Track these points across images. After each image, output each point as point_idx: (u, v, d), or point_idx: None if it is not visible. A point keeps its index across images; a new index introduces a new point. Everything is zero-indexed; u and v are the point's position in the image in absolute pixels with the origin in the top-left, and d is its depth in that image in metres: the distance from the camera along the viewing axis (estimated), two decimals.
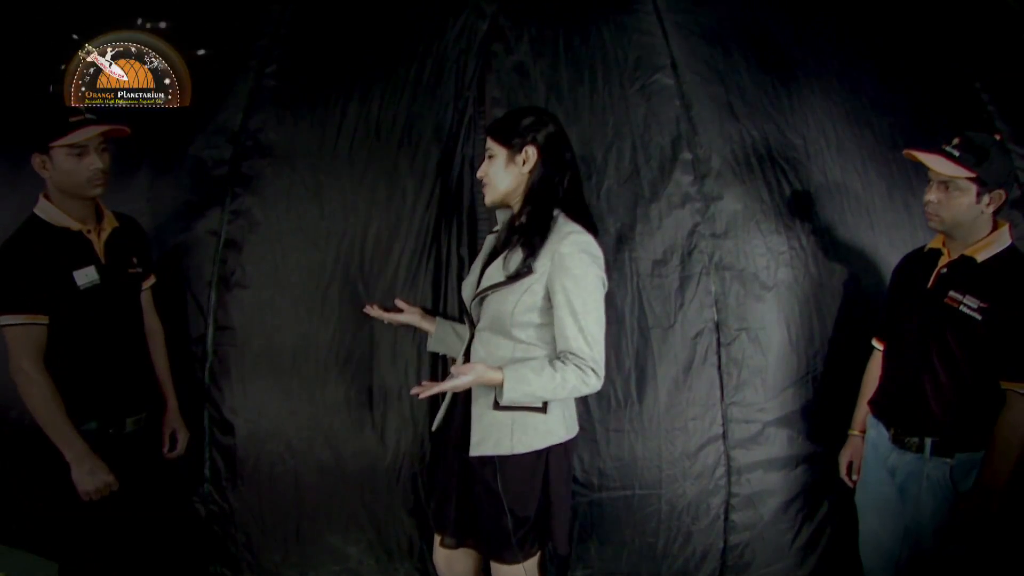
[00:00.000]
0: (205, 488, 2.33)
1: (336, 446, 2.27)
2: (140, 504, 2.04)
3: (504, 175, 1.74)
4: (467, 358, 1.84)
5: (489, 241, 1.90)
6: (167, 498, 2.24)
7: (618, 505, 2.21)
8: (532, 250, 1.69)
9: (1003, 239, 1.85)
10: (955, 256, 1.89)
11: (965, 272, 1.86)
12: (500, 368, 1.68)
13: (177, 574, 2.35)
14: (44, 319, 1.86)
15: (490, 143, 1.76)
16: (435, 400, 2.05)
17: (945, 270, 1.90)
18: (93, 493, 1.87)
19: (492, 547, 1.83)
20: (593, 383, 1.68)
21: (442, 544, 1.96)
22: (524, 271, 1.68)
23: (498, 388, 1.67)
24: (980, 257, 1.85)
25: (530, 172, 1.73)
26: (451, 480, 1.90)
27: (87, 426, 1.91)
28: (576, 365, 1.66)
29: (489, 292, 1.74)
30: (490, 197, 1.77)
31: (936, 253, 1.95)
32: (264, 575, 2.36)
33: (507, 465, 1.75)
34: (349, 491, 2.28)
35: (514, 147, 1.73)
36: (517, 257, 1.71)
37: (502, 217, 1.85)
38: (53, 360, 1.88)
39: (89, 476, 1.86)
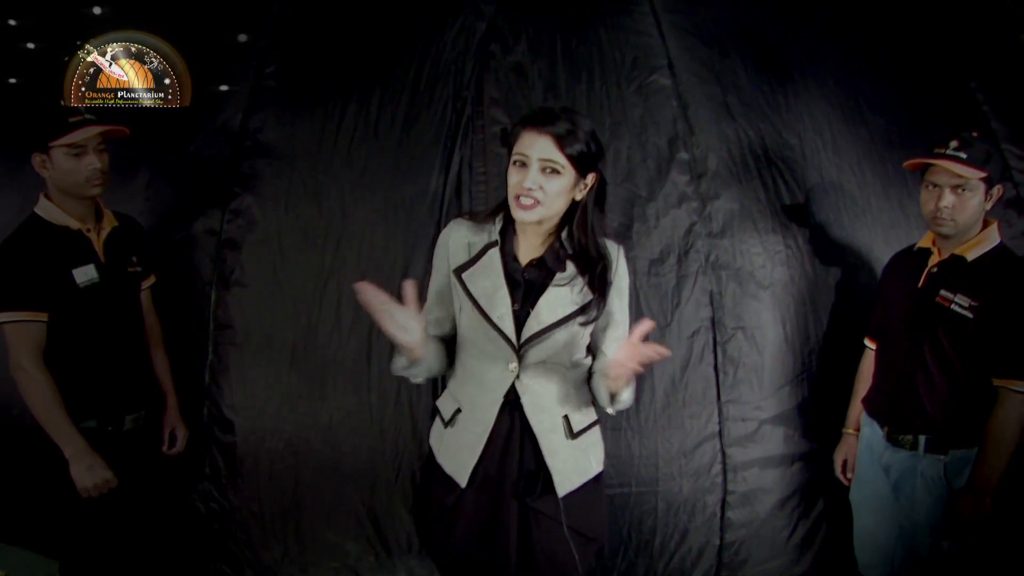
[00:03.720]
0: (205, 486, 2.34)
1: (335, 443, 2.28)
2: (140, 502, 2.05)
3: (563, 197, 1.47)
4: (509, 397, 1.57)
5: (495, 259, 1.55)
6: (167, 496, 2.25)
7: (615, 502, 2.22)
8: (607, 278, 1.54)
9: (992, 237, 1.87)
10: (945, 255, 1.90)
11: (956, 271, 1.87)
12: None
13: (177, 572, 2.36)
14: (43, 316, 1.87)
15: (561, 159, 1.43)
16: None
17: (935, 269, 1.91)
18: (92, 490, 1.88)
19: None
20: None
21: None
22: (601, 300, 1.53)
23: (617, 395, 1.53)
24: (971, 256, 1.86)
25: (581, 197, 1.51)
26: (503, 533, 1.59)
27: (86, 424, 1.92)
28: None
29: (559, 327, 1.52)
30: (538, 215, 1.46)
31: (926, 252, 1.96)
32: (264, 572, 2.37)
33: (576, 493, 1.59)
34: (348, 488, 2.29)
35: (585, 174, 1.49)
36: (583, 285, 1.52)
37: (534, 232, 1.54)
38: (53, 358, 1.89)
39: (88, 473, 1.87)
